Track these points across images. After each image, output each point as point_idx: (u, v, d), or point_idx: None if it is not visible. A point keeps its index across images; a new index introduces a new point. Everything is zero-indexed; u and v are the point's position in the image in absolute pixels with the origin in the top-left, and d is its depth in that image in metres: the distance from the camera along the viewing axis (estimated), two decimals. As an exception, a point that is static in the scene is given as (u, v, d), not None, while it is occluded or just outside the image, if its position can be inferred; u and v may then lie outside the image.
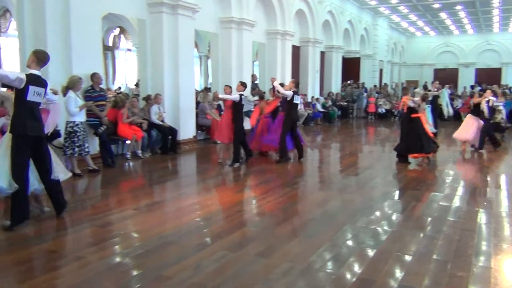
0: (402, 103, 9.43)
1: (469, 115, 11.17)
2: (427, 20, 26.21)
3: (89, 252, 4.33)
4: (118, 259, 4.18)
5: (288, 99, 9.07)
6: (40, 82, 5.07)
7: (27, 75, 4.91)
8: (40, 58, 5.14)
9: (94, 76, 8.41)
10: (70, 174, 5.85)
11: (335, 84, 21.82)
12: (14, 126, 4.89)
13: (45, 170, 5.14)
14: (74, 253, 4.29)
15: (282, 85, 9.89)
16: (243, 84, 8.87)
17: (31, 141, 4.93)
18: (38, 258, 4.18)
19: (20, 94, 4.86)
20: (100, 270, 3.92)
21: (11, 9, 14.61)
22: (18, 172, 4.81)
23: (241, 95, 8.67)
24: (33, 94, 4.92)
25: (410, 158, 9.10)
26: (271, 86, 9.92)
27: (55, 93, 5.51)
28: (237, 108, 8.68)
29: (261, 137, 9.69)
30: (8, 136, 4.96)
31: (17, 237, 4.76)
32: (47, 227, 5.07)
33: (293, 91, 9.12)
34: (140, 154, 9.46)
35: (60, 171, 5.50)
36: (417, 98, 9.10)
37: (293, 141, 9.37)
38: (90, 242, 4.71)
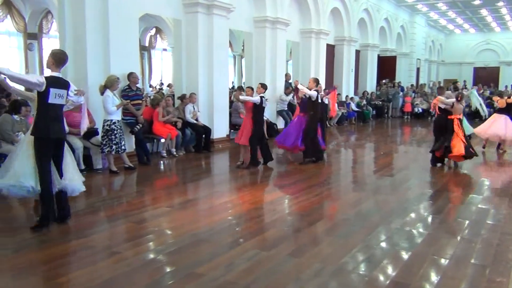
0: (433, 104, 9.07)
1: (497, 114, 10.81)
2: (466, 17, 25.45)
3: (125, 248, 4.43)
4: (152, 255, 4.26)
5: (313, 99, 8.84)
6: (61, 83, 4.99)
7: (46, 78, 4.85)
8: (58, 59, 5.03)
9: (131, 76, 8.61)
10: (83, 188, 5.52)
11: (370, 83, 21.49)
12: (37, 128, 4.88)
13: (58, 171, 5.09)
14: (110, 248, 4.40)
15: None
16: (263, 86, 8.67)
17: (53, 143, 4.95)
18: (76, 253, 4.30)
19: (42, 97, 4.83)
20: (135, 265, 4.00)
21: (52, 10, 15.10)
22: (44, 174, 4.86)
23: (261, 97, 8.43)
24: (54, 97, 4.87)
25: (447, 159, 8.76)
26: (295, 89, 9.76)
27: (80, 94, 5.31)
28: (257, 110, 8.41)
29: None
30: (29, 137, 4.99)
31: (56, 232, 4.93)
32: (85, 223, 5.21)
33: (314, 90, 8.93)
34: (175, 152, 9.60)
35: (78, 179, 5.41)
36: (451, 99, 8.60)
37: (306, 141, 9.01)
38: (126, 238, 4.83)
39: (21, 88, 5.63)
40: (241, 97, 8.73)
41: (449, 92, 10.57)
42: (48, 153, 4.93)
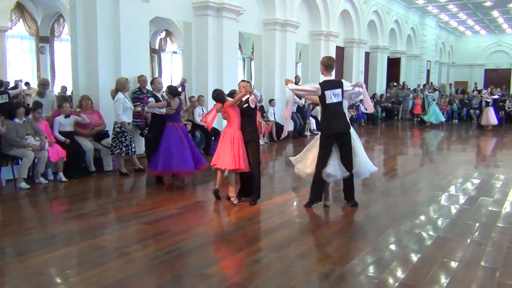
0: None
1: None
2: (477, 18, 25.29)
3: (135, 249, 4.47)
4: (161, 256, 4.29)
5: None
6: (333, 84, 5.79)
7: (320, 84, 5.75)
8: (327, 64, 5.84)
9: (141, 79, 8.67)
10: (375, 168, 6.31)
11: (380, 85, 21.41)
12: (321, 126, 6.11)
13: (346, 162, 5.85)
14: (120, 249, 4.44)
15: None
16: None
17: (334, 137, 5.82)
18: (87, 253, 4.35)
19: (321, 99, 5.76)
20: (145, 266, 4.05)
21: (64, 14, 15.27)
22: (322, 162, 5.79)
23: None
24: (330, 97, 5.70)
25: None
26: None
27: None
28: (250, 114, 6.82)
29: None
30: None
31: (67, 232, 5.00)
32: (95, 224, 5.27)
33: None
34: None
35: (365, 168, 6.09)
36: None
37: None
38: (136, 239, 4.87)
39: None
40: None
41: None
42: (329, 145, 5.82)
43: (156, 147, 6.97)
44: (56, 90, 14.64)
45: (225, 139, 6.05)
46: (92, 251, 4.38)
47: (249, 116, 6.15)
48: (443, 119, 18.61)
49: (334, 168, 5.82)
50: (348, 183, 6.05)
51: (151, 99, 7.12)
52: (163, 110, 6.98)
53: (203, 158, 7.40)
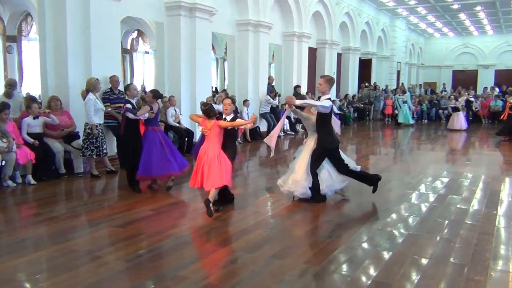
0: None
1: None
2: (445, 21, 25.93)
3: (107, 252, 4.40)
4: (134, 259, 4.24)
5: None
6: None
7: (332, 101, 6.13)
8: (331, 83, 6.22)
9: (113, 79, 8.55)
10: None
11: (352, 86, 21.72)
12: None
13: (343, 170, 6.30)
14: (92, 252, 4.37)
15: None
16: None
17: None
18: (58, 257, 4.25)
19: (329, 115, 6.09)
20: (117, 269, 3.98)
21: (32, 13, 14.90)
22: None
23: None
24: (333, 113, 6.30)
25: None
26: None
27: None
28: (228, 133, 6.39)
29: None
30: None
31: (38, 236, 4.88)
32: (66, 227, 5.16)
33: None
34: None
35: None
36: None
37: None
38: (108, 242, 4.79)
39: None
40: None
41: None
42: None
43: (129, 149, 6.81)
44: (24, 90, 14.27)
45: (209, 158, 5.61)
46: (63, 255, 4.28)
47: (232, 136, 6.06)
48: (411, 121, 19.05)
49: (329, 183, 6.24)
50: (359, 176, 6.45)
51: (129, 105, 6.76)
52: (147, 115, 6.79)
53: (185, 161, 7.30)
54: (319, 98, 6.67)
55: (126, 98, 6.97)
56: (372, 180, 6.48)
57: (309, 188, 6.15)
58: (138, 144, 6.76)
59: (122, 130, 6.99)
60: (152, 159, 6.68)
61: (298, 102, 5.97)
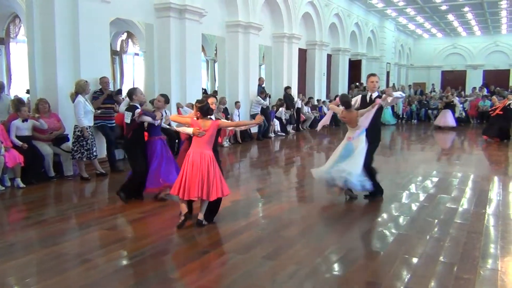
0: None
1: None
2: (434, 22, 26.14)
3: (97, 255, 4.37)
4: (125, 262, 4.22)
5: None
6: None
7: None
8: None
9: (102, 80, 8.51)
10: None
11: (342, 87, 21.80)
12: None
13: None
14: (82, 256, 4.33)
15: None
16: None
17: None
18: (47, 261, 4.22)
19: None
20: (108, 272, 3.96)
21: (20, 14, 14.76)
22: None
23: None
24: None
25: None
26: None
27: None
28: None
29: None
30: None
31: (27, 240, 4.83)
32: (56, 230, 5.12)
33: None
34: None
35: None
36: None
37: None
38: (98, 245, 4.76)
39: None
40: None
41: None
42: None
43: (138, 152, 6.33)
44: (13, 93, 14.13)
45: (204, 165, 5.05)
46: (53, 259, 4.25)
47: (216, 138, 5.46)
48: (392, 122, 19.49)
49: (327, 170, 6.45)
50: (373, 179, 6.48)
51: (138, 110, 6.27)
52: (159, 121, 6.48)
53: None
54: (365, 96, 6.79)
55: (131, 103, 6.43)
56: (377, 190, 6.54)
57: (372, 184, 6.28)
58: (144, 149, 6.40)
59: (129, 134, 6.40)
60: (160, 171, 6.27)
61: (396, 93, 6.51)
